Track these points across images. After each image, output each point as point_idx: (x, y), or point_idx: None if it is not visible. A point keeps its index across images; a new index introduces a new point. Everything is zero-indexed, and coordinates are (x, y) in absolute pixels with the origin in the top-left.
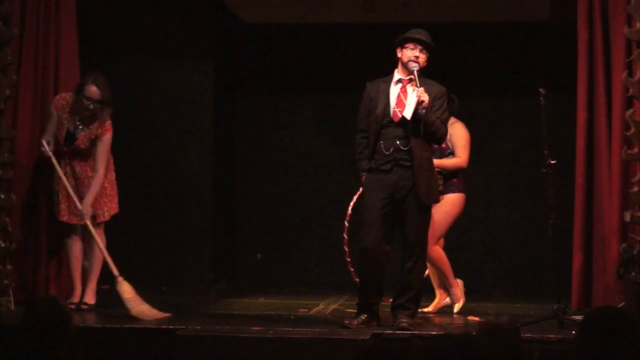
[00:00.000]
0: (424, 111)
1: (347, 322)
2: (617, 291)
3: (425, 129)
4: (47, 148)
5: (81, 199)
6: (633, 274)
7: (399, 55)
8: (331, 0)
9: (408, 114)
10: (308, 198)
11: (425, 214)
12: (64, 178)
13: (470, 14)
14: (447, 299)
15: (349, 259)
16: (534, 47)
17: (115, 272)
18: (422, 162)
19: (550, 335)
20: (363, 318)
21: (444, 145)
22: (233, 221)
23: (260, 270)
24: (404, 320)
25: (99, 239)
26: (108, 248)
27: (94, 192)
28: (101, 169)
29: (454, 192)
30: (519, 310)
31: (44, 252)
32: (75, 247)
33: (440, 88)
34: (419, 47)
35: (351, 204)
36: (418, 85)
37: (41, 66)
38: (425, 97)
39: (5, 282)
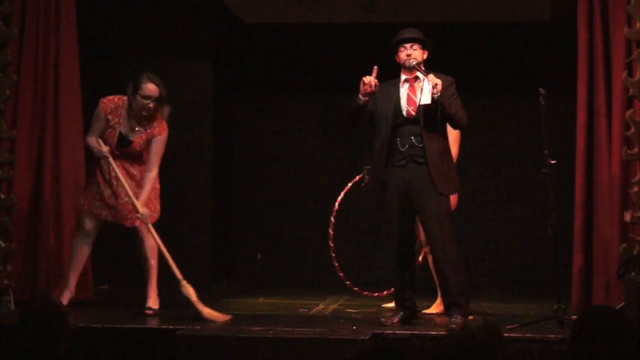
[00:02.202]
0: (438, 94)
1: (382, 320)
2: (617, 291)
3: (442, 112)
4: (104, 147)
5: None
6: (633, 274)
7: (398, 60)
8: (331, 0)
9: (426, 100)
10: (308, 198)
11: (443, 204)
12: (122, 178)
13: (471, 14)
14: None
15: (333, 254)
16: (534, 47)
17: (179, 276)
18: (436, 155)
19: (550, 335)
20: (400, 316)
21: None
22: (233, 221)
23: (260, 270)
24: (458, 319)
25: (159, 240)
26: (107, 248)
27: (147, 192)
28: (155, 169)
29: None
30: (519, 310)
31: (44, 252)
32: (84, 248)
33: (448, 78)
34: (408, 45)
35: (338, 199)
36: (425, 73)
37: (41, 66)
38: (438, 81)
39: (5, 282)
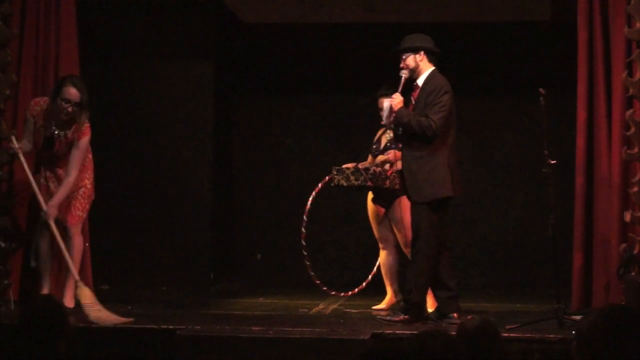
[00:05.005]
0: (393, 114)
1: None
2: (617, 291)
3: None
4: (16, 144)
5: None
6: (633, 274)
7: None
8: (331, 0)
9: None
10: (307, 198)
11: (416, 211)
12: (31, 177)
13: (471, 14)
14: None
15: (305, 253)
16: (534, 47)
17: (77, 277)
18: (410, 162)
19: (550, 335)
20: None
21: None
22: (233, 221)
23: (260, 270)
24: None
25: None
26: (107, 248)
27: (63, 194)
28: (74, 173)
29: None
30: (519, 310)
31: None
32: (43, 249)
33: (434, 86)
34: (401, 56)
35: (310, 199)
36: (399, 91)
37: (41, 66)
38: (394, 102)
39: (5, 282)
